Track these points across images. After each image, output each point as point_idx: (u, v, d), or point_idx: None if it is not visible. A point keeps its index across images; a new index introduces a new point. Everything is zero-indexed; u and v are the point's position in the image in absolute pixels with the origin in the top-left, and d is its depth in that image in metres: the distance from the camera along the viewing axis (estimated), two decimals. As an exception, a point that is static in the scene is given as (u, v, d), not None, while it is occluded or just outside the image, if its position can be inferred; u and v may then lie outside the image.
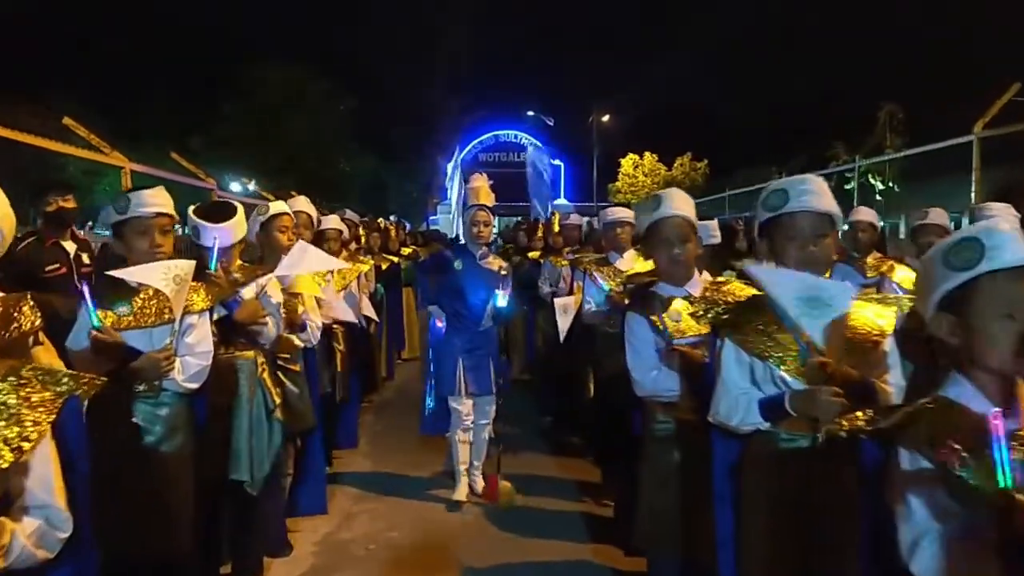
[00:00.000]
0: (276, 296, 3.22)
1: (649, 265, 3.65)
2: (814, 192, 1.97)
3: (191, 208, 3.01)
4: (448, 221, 19.03)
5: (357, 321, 5.17)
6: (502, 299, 4.25)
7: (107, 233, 2.82)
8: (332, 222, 5.23)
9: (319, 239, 4.76)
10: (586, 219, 6.91)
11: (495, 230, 7.06)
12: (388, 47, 29.49)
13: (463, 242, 4.65)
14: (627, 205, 4.83)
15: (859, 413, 1.85)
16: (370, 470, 5.06)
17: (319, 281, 4.15)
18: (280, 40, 28.72)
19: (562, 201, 24.96)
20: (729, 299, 2.21)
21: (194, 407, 2.60)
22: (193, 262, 2.53)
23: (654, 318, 2.54)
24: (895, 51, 28.65)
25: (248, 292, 3.04)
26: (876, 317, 1.99)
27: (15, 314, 1.70)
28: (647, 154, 32.63)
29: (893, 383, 1.92)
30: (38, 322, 1.76)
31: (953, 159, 6.92)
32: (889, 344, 1.98)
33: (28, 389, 1.40)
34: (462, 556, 3.75)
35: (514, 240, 8.64)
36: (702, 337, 2.41)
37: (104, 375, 1.71)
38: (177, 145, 12.56)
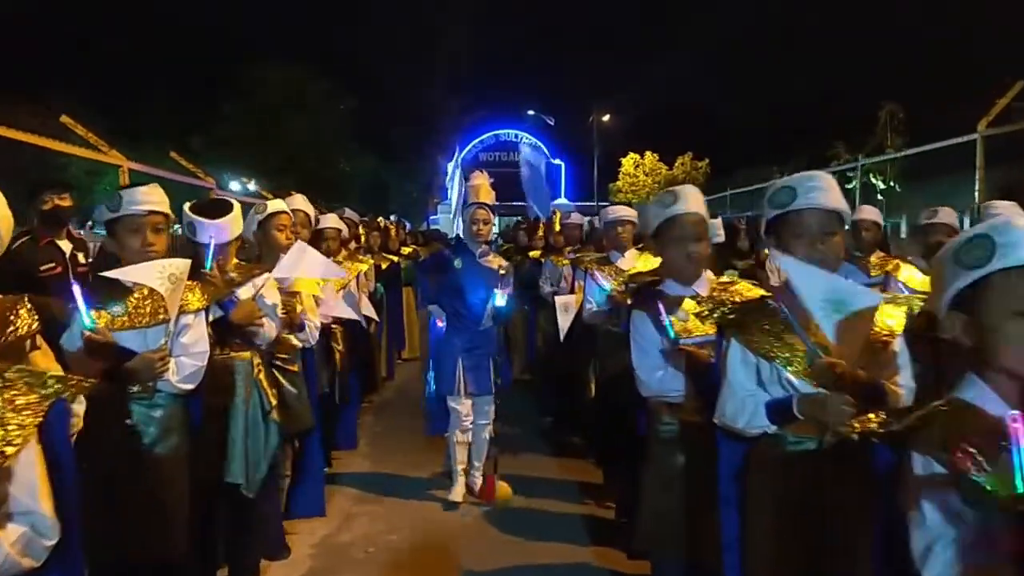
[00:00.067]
0: (273, 297, 3.18)
1: (651, 263, 3.61)
2: (822, 189, 1.92)
3: (187, 204, 2.97)
4: (448, 221, 18.98)
5: (358, 318, 5.13)
6: (500, 298, 4.21)
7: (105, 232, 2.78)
8: (330, 221, 5.19)
9: (317, 238, 4.73)
10: (587, 218, 6.90)
11: (495, 230, 7.04)
12: (388, 47, 29.43)
13: (463, 240, 4.62)
14: (628, 204, 4.79)
15: (871, 415, 1.82)
16: (369, 471, 5.03)
17: (318, 280, 4.10)
18: (280, 40, 28.71)
19: (563, 200, 24.99)
20: (736, 299, 2.18)
21: (189, 408, 2.57)
22: (188, 261, 2.49)
23: (673, 319, 2.49)
24: (895, 51, 28.62)
25: (244, 292, 3.00)
26: (886, 317, 1.95)
27: (11, 317, 1.66)
28: (648, 153, 32.61)
29: (903, 384, 1.88)
30: (35, 325, 1.72)
31: (954, 158, 6.90)
32: (899, 344, 1.95)
33: (12, 392, 1.35)
34: (462, 559, 3.72)
35: (514, 240, 8.60)
36: (709, 337, 2.37)
37: (97, 376, 1.66)
38: (177, 145, 12.51)
